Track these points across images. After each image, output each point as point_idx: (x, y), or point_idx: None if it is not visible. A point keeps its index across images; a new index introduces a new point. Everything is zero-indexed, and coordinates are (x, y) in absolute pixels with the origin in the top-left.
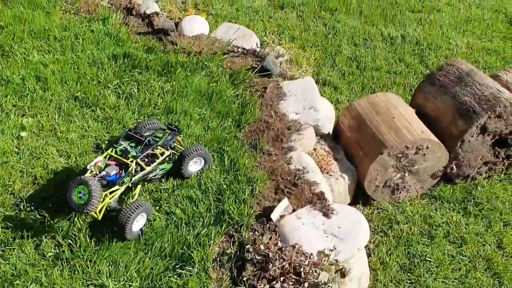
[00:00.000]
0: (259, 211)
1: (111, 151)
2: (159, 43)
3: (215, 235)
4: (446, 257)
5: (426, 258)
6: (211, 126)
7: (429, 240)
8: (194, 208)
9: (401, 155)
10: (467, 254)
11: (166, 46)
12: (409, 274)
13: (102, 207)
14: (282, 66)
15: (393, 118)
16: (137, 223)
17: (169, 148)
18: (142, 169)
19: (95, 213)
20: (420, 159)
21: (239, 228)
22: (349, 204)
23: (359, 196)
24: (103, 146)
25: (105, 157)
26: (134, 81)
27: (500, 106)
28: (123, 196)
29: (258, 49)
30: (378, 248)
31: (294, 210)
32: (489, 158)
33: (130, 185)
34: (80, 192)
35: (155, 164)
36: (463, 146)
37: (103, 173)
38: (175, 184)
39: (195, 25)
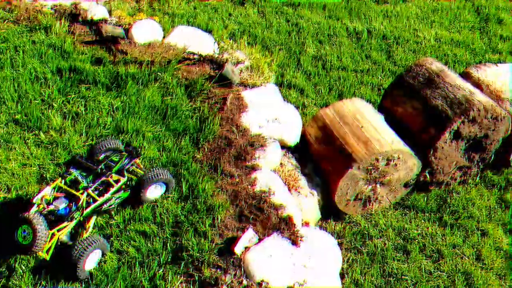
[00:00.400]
0: (222, 243)
1: (60, 182)
2: (108, 53)
3: (172, 276)
4: (423, 273)
5: (402, 276)
6: (166, 146)
7: (404, 256)
8: (149, 244)
9: (371, 168)
10: (445, 269)
11: (116, 56)
12: None
13: (51, 247)
14: (242, 73)
15: (362, 127)
16: (91, 261)
17: (125, 173)
18: (94, 200)
19: (43, 252)
20: (392, 170)
21: (199, 265)
22: (320, 219)
23: (330, 210)
24: (48, 175)
25: (53, 189)
26: (81, 98)
27: (473, 110)
28: (77, 229)
29: (216, 55)
30: (351, 268)
31: (260, 240)
32: (464, 163)
33: (81, 219)
34: (24, 231)
35: (109, 194)
36: (436, 153)
37: (51, 207)
38: (127, 217)
39: (147, 30)
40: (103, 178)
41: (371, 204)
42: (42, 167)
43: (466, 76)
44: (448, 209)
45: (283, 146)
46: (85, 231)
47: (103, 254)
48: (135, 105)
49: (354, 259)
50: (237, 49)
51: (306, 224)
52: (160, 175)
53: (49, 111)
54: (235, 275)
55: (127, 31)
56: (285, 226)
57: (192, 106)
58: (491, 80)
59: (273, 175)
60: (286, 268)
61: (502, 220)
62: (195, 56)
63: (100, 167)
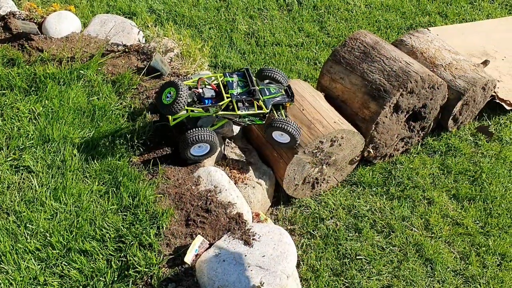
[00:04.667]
0: (170, 254)
1: (220, 77)
2: (22, 52)
3: None
4: (376, 250)
5: (357, 256)
6: (99, 152)
7: (357, 234)
8: (92, 264)
9: (316, 151)
10: (396, 243)
11: (31, 54)
12: (342, 278)
13: (180, 117)
14: (173, 62)
15: (302, 110)
16: (198, 149)
17: (270, 107)
18: (233, 109)
19: (171, 118)
20: (337, 150)
21: (149, 280)
22: (271, 207)
23: (280, 196)
24: None
25: (211, 78)
26: None
27: (411, 82)
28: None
29: (142, 44)
30: (306, 254)
31: (211, 244)
32: (405, 134)
33: (214, 115)
34: (169, 93)
35: (246, 113)
36: (377, 128)
37: (200, 90)
38: (67, 236)
39: (64, 22)
40: (252, 98)
41: (319, 185)
42: None
43: (400, 44)
44: (393, 181)
45: (225, 136)
46: (211, 125)
47: (211, 151)
48: (58, 109)
49: (308, 244)
50: (165, 36)
51: (257, 215)
52: (287, 125)
53: None
54: (188, 286)
55: (40, 25)
56: (235, 226)
57: (122, 104)
58: (425, 47)
59: (217, 171)
60: (241, 271)
61: (446, 186)
62: (120, 48)
63: (254, 89)
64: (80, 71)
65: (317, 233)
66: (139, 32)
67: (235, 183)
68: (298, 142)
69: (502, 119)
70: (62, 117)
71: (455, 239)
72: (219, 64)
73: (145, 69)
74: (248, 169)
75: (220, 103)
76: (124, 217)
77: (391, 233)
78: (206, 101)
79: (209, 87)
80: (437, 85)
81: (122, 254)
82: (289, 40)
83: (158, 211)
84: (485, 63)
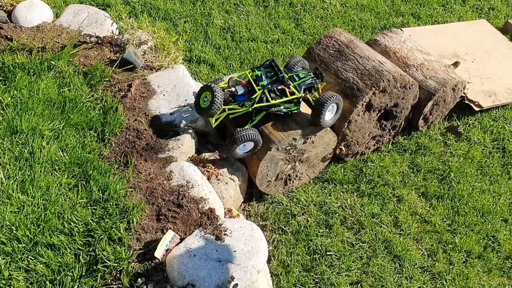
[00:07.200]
0: (140, 248)
1: (249, 73)
2: None
3: None
4: (346, 246)
5: (327, 251)
6: (69, 145)
7: (327, 230)
8: (60, 258)
9: (289, 147)
10: (366, 240)
11: (0, 43)
12: (312, 273)
13: (219, 118)
14: (146, 55)
15: None
16: (243, 147)
17: (302, 91)
18: (267, 100)
19: (213, 119)
20: (309, 147)
21: (118, 275)
22: (243, 203)
23: (252, 192)
24: None
25: (240, 76)
26: None
27: (383, 81)
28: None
29: (115, 36)
30: (277, 250)
31: (182, 239)
32: (377, 133)
33: (250, 109)
34: (206, 97)
35: (279, 101)
36: (350, 126)
37: (233, 89)
38: (34, 230)
39: (34, 11)
40: (282, 86)
41: (291, 182)
42: None
43: (374, 43)
44: (364, 179)
45: (199, 132)
46: (250, 121)
47: (255, 147)
48: (28, 100)
49: (280, 240)
50: (139, 28)
51: (229, 211)
52: (333, 97)
53: None
54: (158, 281)
55: (10, 13)
56: (207, 221)
57: (93, 96)
58: (398, 47)
59: (190, 167)
60: (212, 266)
61: (415, 184)
62: (93, 39)
63: (282, 75)
64: (51, 62)
65: (288, 229)
66: (112, 23)
67: (208, 179)
68: (342, 106)
69: (471, 120)
70: (31, 108)
71: (423, 236)
72: (194, 58)
73: (118, 61)
74: (221, 165)
75: (253, 96)
76: (94, 211)
77: (361, 229)
78: (240, 98)
79: (241, 85)
80: (409, 84)
81: (91, 249)
82: (265, 36)
83: (128, 206)
84: (456, 64)
